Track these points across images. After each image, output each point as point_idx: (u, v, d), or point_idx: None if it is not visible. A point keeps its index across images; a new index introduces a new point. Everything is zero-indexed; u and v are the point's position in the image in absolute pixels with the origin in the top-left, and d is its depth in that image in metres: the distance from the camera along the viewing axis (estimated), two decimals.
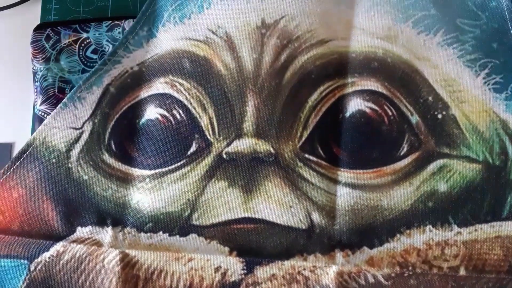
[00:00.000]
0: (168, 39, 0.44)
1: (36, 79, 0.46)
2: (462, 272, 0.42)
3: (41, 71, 0.45)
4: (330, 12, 0.44)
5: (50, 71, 0.45)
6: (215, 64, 0.44)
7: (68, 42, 0.46)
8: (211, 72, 0.44)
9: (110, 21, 0.45)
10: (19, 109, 0.48)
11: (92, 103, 0.44)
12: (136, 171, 0.44)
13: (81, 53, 0.46)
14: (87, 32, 0.46)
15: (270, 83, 0.43)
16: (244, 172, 0.43)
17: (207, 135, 0.44)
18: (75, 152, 0.44)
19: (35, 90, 0.46)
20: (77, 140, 0.44)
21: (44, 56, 0.45)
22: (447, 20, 0.43)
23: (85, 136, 0.44)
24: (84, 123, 0.44)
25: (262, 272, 0.43)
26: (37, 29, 0.46)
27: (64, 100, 0.43)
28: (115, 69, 0.44)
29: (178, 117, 0.44)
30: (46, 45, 0.46)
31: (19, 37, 0.49)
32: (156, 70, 0.44)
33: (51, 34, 0.46)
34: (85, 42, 0.46)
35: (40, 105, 0.45)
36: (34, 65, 0.46)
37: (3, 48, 0.50)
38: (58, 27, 0.46)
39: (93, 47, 0.46)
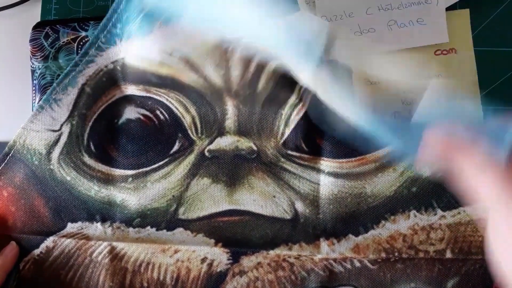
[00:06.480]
0: (133, 49, 0.43)
1: (35, 77, 0.45)
2: (448, 255, 0.43)
3: (39, 69, 0.45)
4: None
5: (49, 69, 0.45)
6: (183, 79, 0.43)
7: (67, 40, 0.45)
8: (182, 84, 0.43)
9: None
10: (18, 107, 0.48)
11: (69, 105, 0.43)
12: (117, 172, 0.44)
13: (79, 51, 0.45)
14: (86, 30, 0.45)
15: (245, 92, 0.43)
16: (227, 169, 0.43)
17: (190, 134, 0.44)
18: (55, 154, 0.44)
19: (33, 88, 0.45)
20: (56, 142, 0.44)
21: (42, 54, 0.45)
22: None
23: (64, 138, 0.44)
24: (62, 125, 0.43)
25: (248, 261, 0.43)
26: (36, 27, 0.46)
27: (40, 102, 0.43)
28: (89, 68, 0.43)
29: (162, 117, 0.44)
30: (45, 43, 0.45)
31: (19, 37, 0.48)
32: (129, 75, 0.43)
33: (50, 32, 0.45)
34: (83, 41, 0.45)
35: (38, 103, 0.45)
36: (33, 63, 0.45)
37: (3, 48, 0.49)
38: (57, 26, 0.45)
39: None
